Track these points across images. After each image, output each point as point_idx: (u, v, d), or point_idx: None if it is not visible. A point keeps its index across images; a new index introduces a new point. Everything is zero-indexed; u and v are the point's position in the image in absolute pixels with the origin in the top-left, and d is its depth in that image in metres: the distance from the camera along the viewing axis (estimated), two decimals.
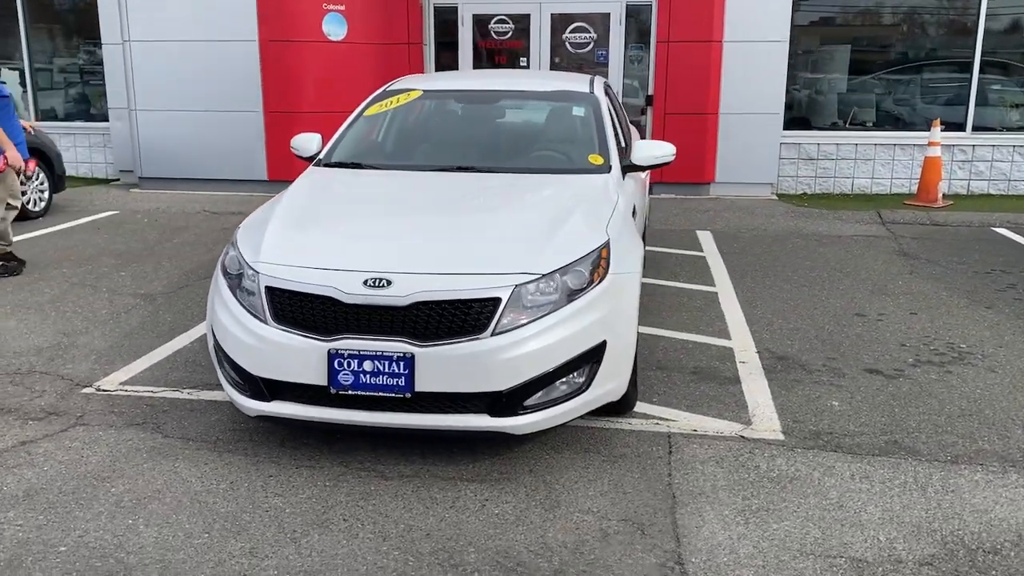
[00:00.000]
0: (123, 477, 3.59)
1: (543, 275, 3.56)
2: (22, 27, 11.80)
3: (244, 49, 10.26)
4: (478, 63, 10.98)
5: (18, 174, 6.72)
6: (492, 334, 3.43)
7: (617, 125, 5.44)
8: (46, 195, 9.26)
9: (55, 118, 12.12)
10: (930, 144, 9.86)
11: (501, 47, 10.93)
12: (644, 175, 5.56)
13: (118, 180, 11.61)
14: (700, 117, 10.40)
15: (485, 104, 5.36)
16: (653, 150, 4.91)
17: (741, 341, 5.33)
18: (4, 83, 6.94)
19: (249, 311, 3.65)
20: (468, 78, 6.06)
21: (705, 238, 8.39)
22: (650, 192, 10.66)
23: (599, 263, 3.75)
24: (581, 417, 4.05)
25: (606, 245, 3.83)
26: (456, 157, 4.84)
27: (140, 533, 3.17)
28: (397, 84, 5.52)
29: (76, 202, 10.11)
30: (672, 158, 4.99)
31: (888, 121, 10.87)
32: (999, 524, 3.28)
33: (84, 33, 11.93)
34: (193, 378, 4.67)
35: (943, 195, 10.03)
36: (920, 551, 3.10)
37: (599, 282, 3.70)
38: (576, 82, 5.53)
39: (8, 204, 6.81)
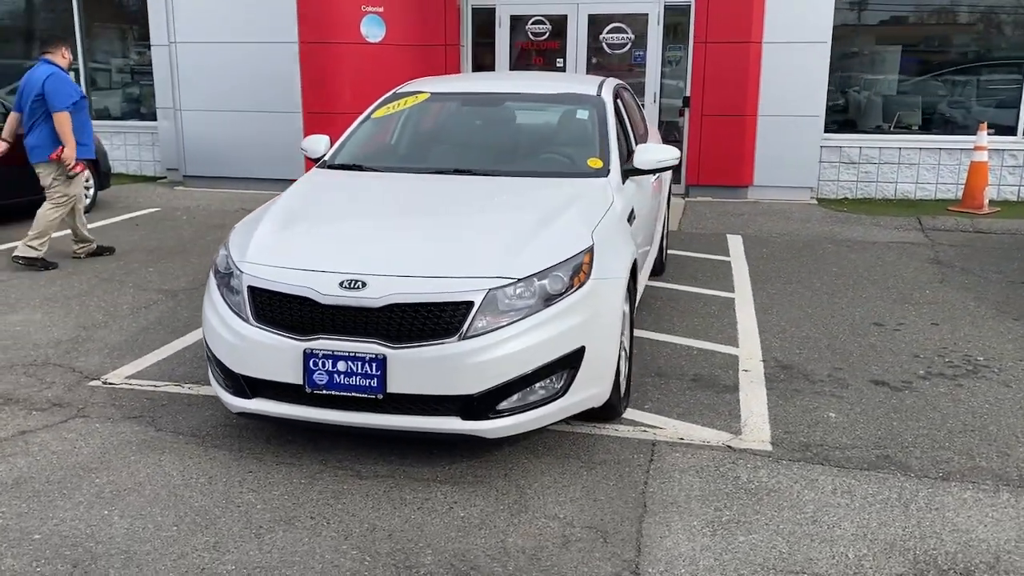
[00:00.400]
0: (109, 469, 3.70)
1: (519, 279, 3.56)
2: (77, 29, 12.19)
3: (284, 50, 10.45)
4: (515, 64, 10.99)
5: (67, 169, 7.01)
6: (464, 337, 3.44)
7: (626, 128, 5.39)
8: (91, 192, 9.55)
9: (108, 117, 12.49)
10: (976, 148, 9.55)
11: (538, 48, 10.92)
12: (654, 179, 5.49)
13: (165, 178, 11.93)
14: (738, 119, 10.25)
15: (490, 107, 5.36)
16: (656, 154, 4.86)
17: (748, 349, 5.24)
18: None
19: (233, 310, 3.73)
20: (478, 80, 6.06)
21: (734, 242, 8.26)
22: (686, 195, 10.60)
23: (581, 268, 3.73)
24: (566, 422, 4.05)
25: (589, 250, 3.81)
26: (455, 160, 4.86)
27: (113, 524, 3.26)
28: (407, 87, 5.56)
29: (122, 199, 10.42)
30: (675, 162, 4.93)
31: (934, 124, 10.55)
32: (978, 545, 3.17)
33: (136, 35, 12.29)
34: (196, 373, 4.78)
35: (990, 201, 9.70)
36: (888, 570, 3.01)
37: (579, 287, 3.68)
38: (585, 85, 5.49)
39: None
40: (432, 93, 5.39)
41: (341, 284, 3.51)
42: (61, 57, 7.10)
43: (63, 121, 6.85)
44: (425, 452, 3.85)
